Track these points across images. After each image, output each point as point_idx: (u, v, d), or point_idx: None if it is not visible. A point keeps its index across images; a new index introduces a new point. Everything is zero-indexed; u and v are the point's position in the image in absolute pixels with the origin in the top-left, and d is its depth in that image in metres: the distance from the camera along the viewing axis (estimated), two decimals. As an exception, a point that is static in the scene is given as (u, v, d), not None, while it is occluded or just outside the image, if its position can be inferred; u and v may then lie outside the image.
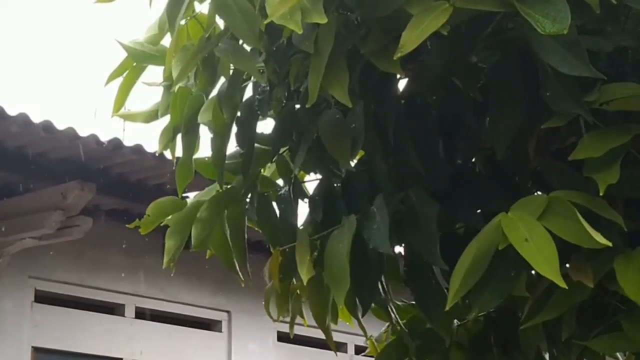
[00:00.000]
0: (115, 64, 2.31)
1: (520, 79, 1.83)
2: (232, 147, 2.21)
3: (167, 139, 2.24)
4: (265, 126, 2.26)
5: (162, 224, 2.30)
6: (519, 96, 1.83)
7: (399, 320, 2.23)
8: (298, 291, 2.26)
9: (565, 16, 1.54)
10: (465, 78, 1.91)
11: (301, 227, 2.14)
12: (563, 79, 1.66)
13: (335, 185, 2.11)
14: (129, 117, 2.40)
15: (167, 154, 2.33)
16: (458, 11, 1.58)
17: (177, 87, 2.14)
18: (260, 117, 2.15)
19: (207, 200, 2.20)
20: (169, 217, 2.27)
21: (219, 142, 2.17)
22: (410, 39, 1.58)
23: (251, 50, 1.98)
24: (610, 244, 1.56)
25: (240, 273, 2.28)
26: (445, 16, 1.57)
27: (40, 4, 23.00)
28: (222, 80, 2.11)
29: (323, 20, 1.67)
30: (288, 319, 2.31)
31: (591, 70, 1.59)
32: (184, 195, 2.33)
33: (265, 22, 1.72)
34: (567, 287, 1.56)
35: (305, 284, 1.91)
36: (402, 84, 2.01)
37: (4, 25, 21.29)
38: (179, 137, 2.24)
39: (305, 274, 1.88)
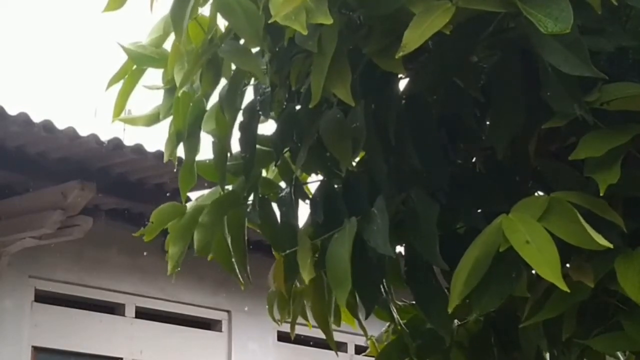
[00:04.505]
0: (116, 65, 2.31)
1: (520, 78, 1.83)
2: (233, 148, 2.21)
3: (173, 146, 2.24)
4: (266, 128, 2.26)
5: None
6: (519, 96, 1.83)
7: (400, 320, 2.23)
8: (301, 293, 2.26)
9: (568, 16, 1.54)
10: (466, 78, 1.91)
11: (302, 229, 2.14)
12: (564, 78, 1.66)
13: (335, 186, 2.11)
14: (130, 121, 2.40)
15: (171, 157, 2.33)
16: (460, 10, 1.58)
17: (180, 92, 2.14)
18: (262, 118, 2.16)
19: (208, 204, 2.21)
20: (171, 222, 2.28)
21: (221, 146, 2.18)
22: (413, 39, 1.58)
23: (255, 51, 1.98)
24: (610, 246, 1.56)
25: (240, 277, 2.28)
26: (447, 16, 1.57)
27: (41, 4, 22.98)
28: (222, 83, 2.11)
29: (328, 21, 1.66)
30: (290, 321, 2.32)
31: (593, 70, 1.59)
32: (187, 196, 2.33)
33: (270, 22, 1.72)
34: (568, 290, 1.56)
35: (306, 283, 1.91)
36: (402, 84, 2.01)
37: (4, 25, 21.29)
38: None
39: (306, 275, 1.88)
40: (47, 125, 5.76)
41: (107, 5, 2.16)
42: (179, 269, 2.26)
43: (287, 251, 2.06)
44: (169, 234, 2.26)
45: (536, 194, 1.93)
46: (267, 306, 2.31)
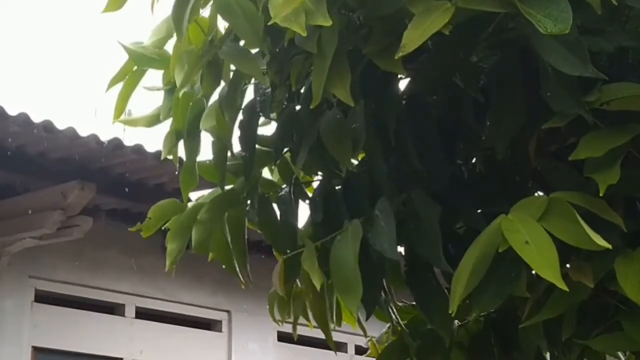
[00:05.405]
0: (116, 65, 2.31)
1: (520, 79, 1.83)
2: (233, 149, 2.21)
3: (171, 144, 2.24)
4: (267, 129, 2.26)
5: (163, 227, 2.30)
6: (519, 96, 1.83)
7: (400, 320, 2.23)
8: (300, 294, 2.26)
9: (567, 16, 1.53)
10: (466, 78, 1.91)
11: (302, 229, 2.14)
12: (563, 78, 1.66)
13: (335, 186, 2.11)
14: (131, 122, 2.40)
15: (169, 156, 2.33)
16: (459, 11, 1.58)
17: (181, 92, 2.14)
18: (264, 120, 2.16)
19: (207, 202, 2.21)
20: (170, 219, 2.28)
21: (221, 146, 2.18)
22: (412, 39, 1.58)
23: (255, 52, 1.98)
24: (609, 247, 1.56)
25: (240, 275, 2.28)
26: (447, 16, 1.57)
27: (41, 4, 22.99)
28: (223, 83, 2.11)
29: (327, 22, 1.66)
30: (290, 321, 2.32)
31: (592, 70, 1.59)
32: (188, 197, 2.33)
33: (269, 23, 1.72)
34: (568, 290, 1.56)
35: (317, 289, 1.91)
36: (402, 84, 2.01)
37: (4, 25, 21.29)
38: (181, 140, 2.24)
39: (317, 281, 1.87)
40: (47, 125, 5.76)
41: (107, 5, 2.15)
42: (179, 267, 2.26)
43: (289, 254, 2.05)
44: (169, 232, 2.27)
45: (536, 194, 1.93)
46: (267, 306, 2.31)
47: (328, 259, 1.87)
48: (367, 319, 2.05)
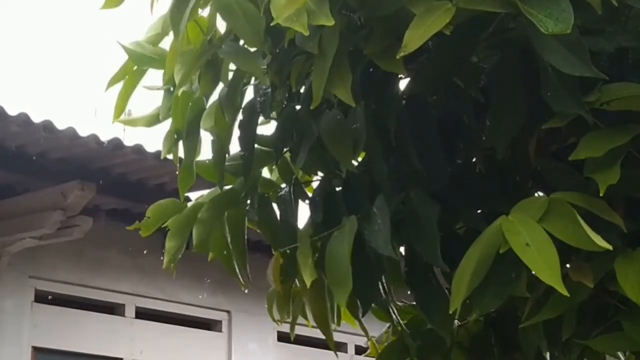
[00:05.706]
0: (116, 64, 2.31)
1: (520, 78, 1.83)
2: (232, 149, 2.21)
3: (171, 143, 2.24)
4: (266, 128, 2.26)
5: (162, 226, 2.30)
6: (519, 96, 1.83)
7: (400, 320, 2.23)
8: (300, 293, 2.26)
9: (568, 16, 1.54)
10: (466, 78, 1.91)
11: (302, 229, 2.14)
12: (564, 79, 1.66)
13: (335, 186, 2.11)
14: (130, 122, 2.39)
15: (168, 154, 2.33)
16: (460, 11, 1.58)
17: (179, 91, 2.14)
18: (264, 120, 2.16)
19: (207, 201, 2.21)
20: (169, 219, 2.28)
21: (220, 145, 2.18)
22: (413, 39, 1.58)
23: (255, 52, 1.98)
24: (610, 247, 1.56)
25: (240, 276, 2.28)
26: (448, 16, 1.57)
27: (41, 4, 22.99)
28: (222, 84, 2.11)
29: (330, 22, 1.66)
30: (290, 321, 2.31)
31: (593, 70, 1.59)
32: (186, 196, 2.33)
33: (272, 24, 1.72)
34: (568, 294, 1.55)
35: (308, 286, 1.91)
36: (402, 84, 2.01)
37: (4, 25, 21.29)
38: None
39: (308, 276, 1.88)
40: (47, 125, 5.76)
41: (105, 1, 2.15)
42: (179, 268, 2.26)
43: (285, 248, 2.06)
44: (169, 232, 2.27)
45: (536, 194, 1.93)
46: (266, 306, 2.31)
47: (327, 258, 1.88)
48: (362, 315, 2.06)
